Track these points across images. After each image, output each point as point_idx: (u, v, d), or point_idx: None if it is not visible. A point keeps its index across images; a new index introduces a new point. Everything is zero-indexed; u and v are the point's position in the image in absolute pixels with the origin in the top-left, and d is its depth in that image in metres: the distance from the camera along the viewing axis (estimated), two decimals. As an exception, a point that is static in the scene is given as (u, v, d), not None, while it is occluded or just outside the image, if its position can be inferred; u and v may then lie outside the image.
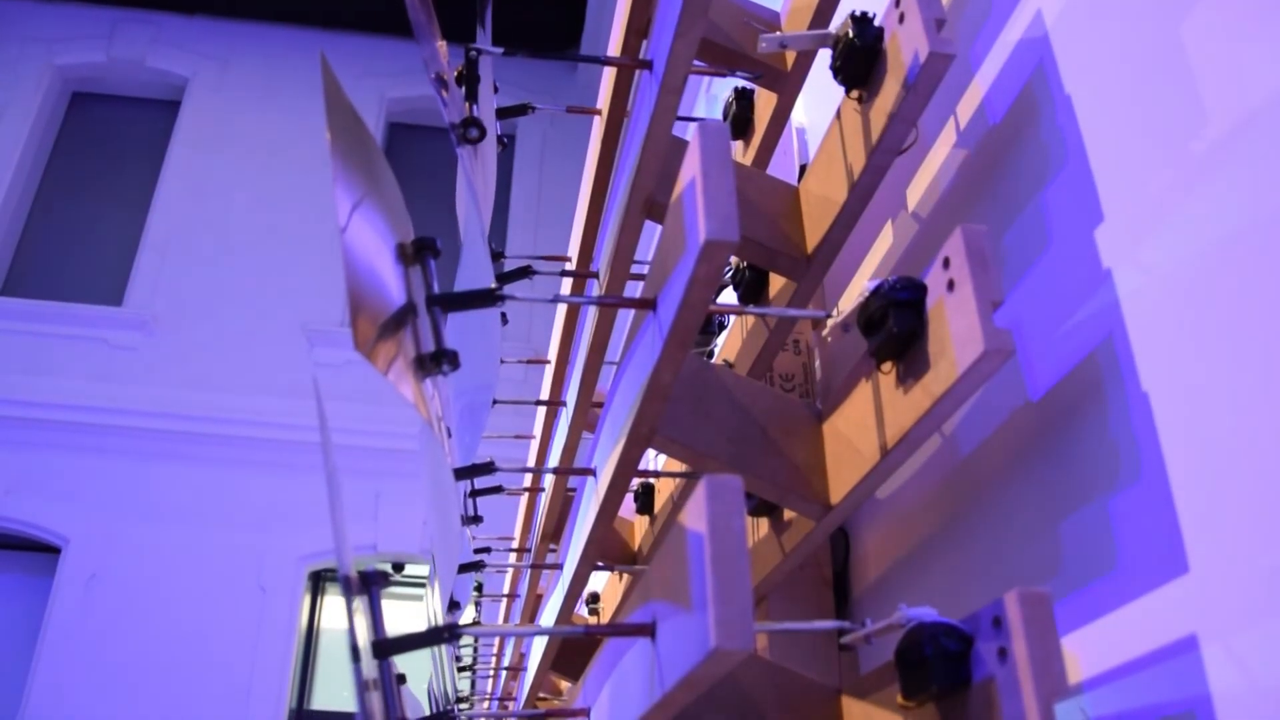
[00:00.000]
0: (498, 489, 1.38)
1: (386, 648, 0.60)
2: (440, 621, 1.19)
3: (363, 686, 0.55)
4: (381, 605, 0.61)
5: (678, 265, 0.64)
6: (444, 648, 1.50)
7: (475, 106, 0.85)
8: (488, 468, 1.10)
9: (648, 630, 0.58)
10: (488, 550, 1.60)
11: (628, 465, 0.85)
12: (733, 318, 1.30)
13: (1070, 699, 0.68)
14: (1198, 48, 0.66)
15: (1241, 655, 0.57)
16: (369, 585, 0.60)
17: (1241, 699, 0.56)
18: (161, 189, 6.37)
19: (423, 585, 6.06)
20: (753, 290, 1.15)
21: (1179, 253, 0.65)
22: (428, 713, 1.47)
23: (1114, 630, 0.67)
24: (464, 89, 0.82)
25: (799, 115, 1.51)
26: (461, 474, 0.98)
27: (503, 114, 1.06)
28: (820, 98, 1.35)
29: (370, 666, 0.58)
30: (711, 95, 2.71)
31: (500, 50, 0.90)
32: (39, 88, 6.50)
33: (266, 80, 6.81)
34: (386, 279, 0.56)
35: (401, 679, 0.72)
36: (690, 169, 0.63)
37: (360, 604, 0.59)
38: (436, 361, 0.59)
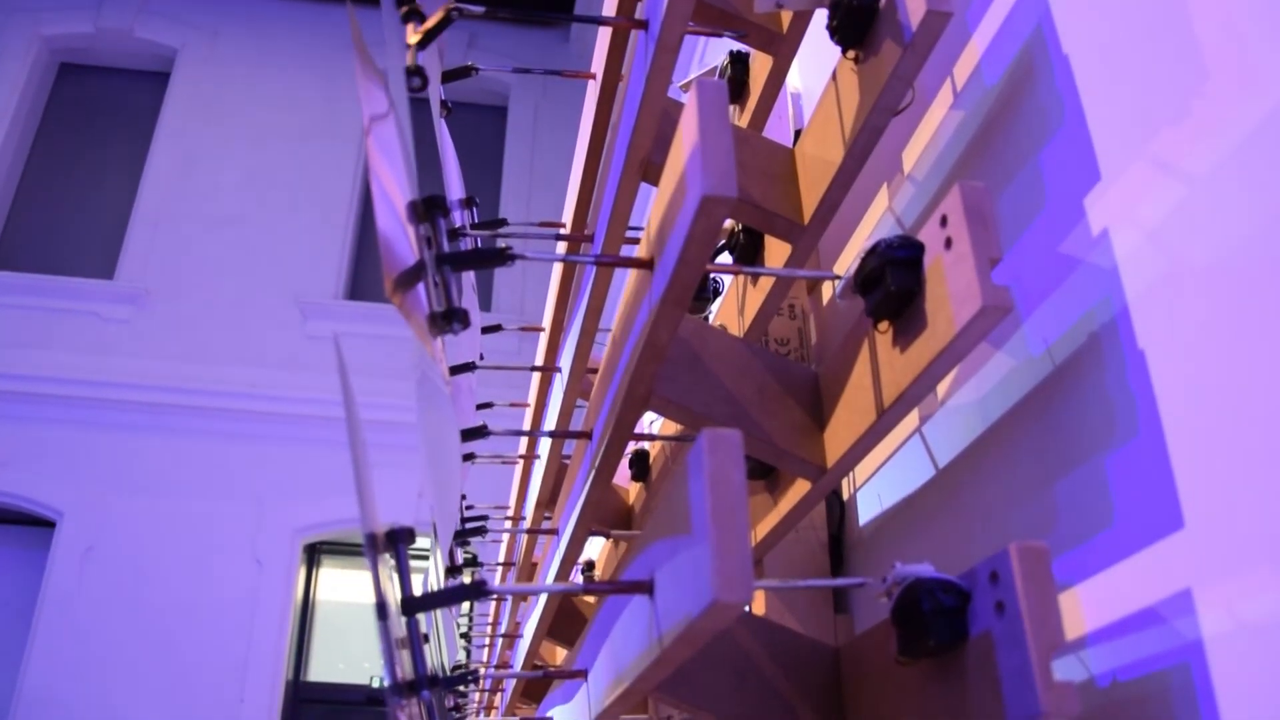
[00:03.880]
0: (494, 455, 1.38)
1: (414, 605, 0.60)
2: (440, 585, 1.20)
3: (391, 645, 0.54)
4: (408, 563, 0.61)
5: (675, 223, 0.64)
6: (441, 614, 1.50)
7: (420, 54, 0.83)
8: (480, 431, 1.10)
9: (645, 587, 0.58)
10: (484, 518, 1.60)
11: (625, 427, 0.85)
12: (728, 283, 1.30)
13: (1068, 653, 0.68)
14: (1198, 5, 0.66)
15: (1235, 608, 0.57)
16: (395, 543, 0.60)
17: (1235, 651, 0.57)
18: (152, 161, 6.32)
19: (415, 556, 6.08)
20: (748, 254, 1.14)
21: (1176, 212, 0.65)
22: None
23: (1109, 585, 0.67)
24: (418, 39, 0.80)
25: (794, 80, 1.50)
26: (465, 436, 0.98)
27: (447, 77, 1.04)
28: (815, 64, 1.34)
29: (399, 625, 0.58)
30: (704, 64, 2.69)
31: (480, 9, 0.88)
32: (26, 59, 6.43)
33: (256, 51, 6.75)
34: (405, 236, 0.56)
35: (425, 639, 0.72)
36: (688, 126, 0.62)
37: (388, 562, 0.59)
38: (447, 320, 0.59)
